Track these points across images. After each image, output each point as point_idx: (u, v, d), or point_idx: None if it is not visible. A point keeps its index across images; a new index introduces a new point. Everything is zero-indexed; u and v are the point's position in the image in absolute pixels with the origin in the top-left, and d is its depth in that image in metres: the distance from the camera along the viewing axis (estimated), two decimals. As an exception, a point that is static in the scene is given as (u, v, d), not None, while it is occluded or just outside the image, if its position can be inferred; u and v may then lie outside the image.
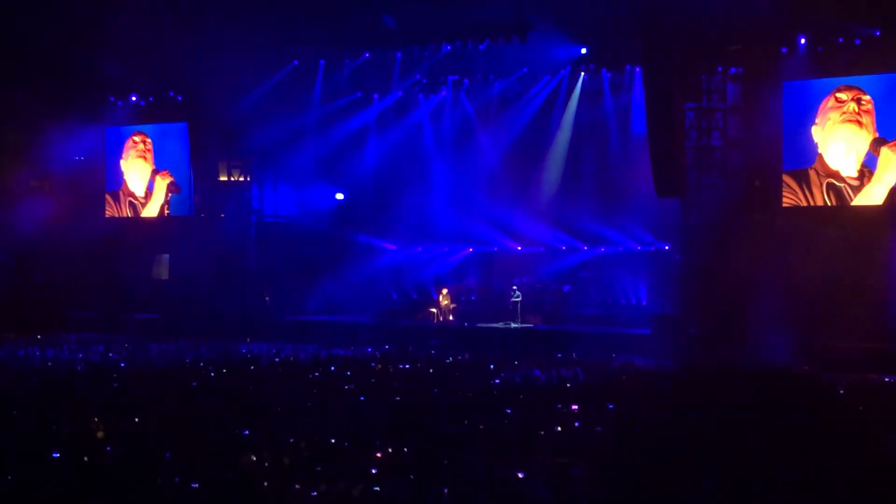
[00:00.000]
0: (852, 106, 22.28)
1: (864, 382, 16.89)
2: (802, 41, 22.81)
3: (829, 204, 22.57)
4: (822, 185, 22.63)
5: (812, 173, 22.74)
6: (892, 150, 21.94)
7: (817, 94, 22.76)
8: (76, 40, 26.10)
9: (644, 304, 25.59)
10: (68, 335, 25.26)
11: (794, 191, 22.87)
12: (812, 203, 22.75)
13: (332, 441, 10.88)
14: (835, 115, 22.52)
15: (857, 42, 22.29)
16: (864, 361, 19.26)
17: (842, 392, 15.47)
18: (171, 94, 29.73)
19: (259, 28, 25.96)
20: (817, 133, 22.70)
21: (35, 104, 28.07)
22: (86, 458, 9.86)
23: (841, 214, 22.53)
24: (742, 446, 10.67)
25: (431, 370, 18.02)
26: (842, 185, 22.45)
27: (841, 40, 22.48)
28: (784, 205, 23.03)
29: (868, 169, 22.18)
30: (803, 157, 22.90)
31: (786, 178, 23.01)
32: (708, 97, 23.61)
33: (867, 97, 22.19)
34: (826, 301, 21.27)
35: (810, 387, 16.25)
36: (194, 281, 27.48)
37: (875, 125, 22.13)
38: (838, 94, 22.47)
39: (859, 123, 22.28)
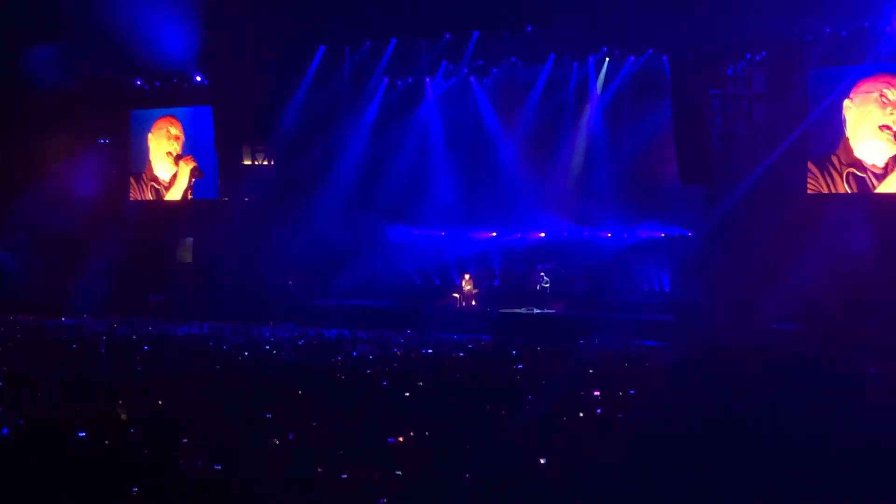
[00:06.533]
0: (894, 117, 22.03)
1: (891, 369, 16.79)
2: (827, 30, 22.65)
3: (850, 191, 22.45)
4: (843, 173, 22.49)
5: (834, 160, 22.61)
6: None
7: (843, 80, 22.58)
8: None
9: (667, 290, 25.53)
10: (89, 317, 25.42)
11: (816, 177, 22.76)
12: (833, 190, 22.63)
13: (354, 425, 10.91)
14: (875, 112, 22.20)
15: (887, 28, 22.10)
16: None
17: (865, 377, 15.43)
18: (196, 76, 29.79)
19: (285, 11, 26.00)
20: (849, 112, 22.42)
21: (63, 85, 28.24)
22: (107, 442, 9.92)
23: (865, 202, 22.40)
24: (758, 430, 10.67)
25: (453, 355, 18.05)
26: (864, 175, 22.31)
27: (867, 24, 22.31)
28: (808, 191, 22.94)
29: (895, 158, 22.02)
30: (827, 144, 22.78)
31: (809, 165, 22.91)
32: (733, 84, 23.51)
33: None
34: (849, 287, 21.17)
35: (832, 372, 16.19)
36: (218, 264, 27.53)
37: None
38: (884, 91, 22.12)
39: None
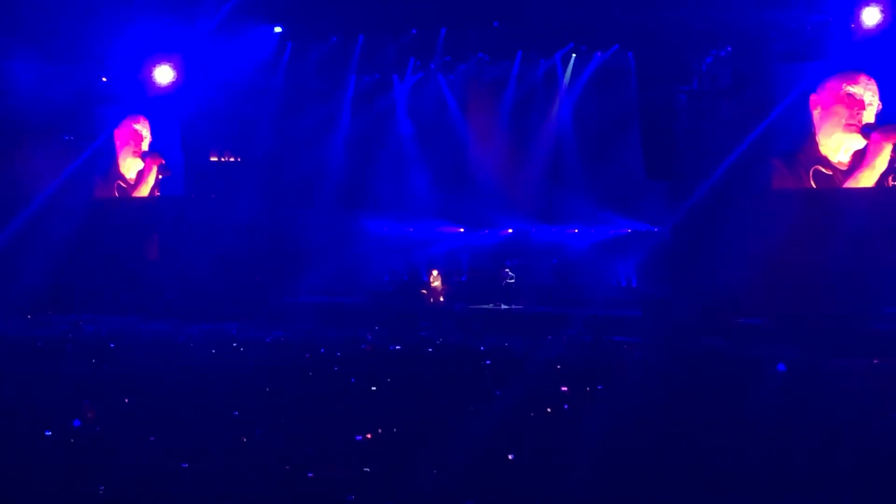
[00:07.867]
0: (861, 115, 22.04)
1: (855, 367, 16.91)
2: (792, 25, 22.75)
3: (816, 187, 22.55)
4: (809, 169, 22.58)
5: (801, 156, 22.71)
6: (882, 135, 21.84)
7: (809, 77, 22.67)
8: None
9: (634, 286, 25.64)
10: (58, 315, 25.25)
11: (783, 173, 22.86)
12: (800, 186, 22.73)
13: (323, 423, 10.90)
14: (842, 112, 22.25)
15: (851, 25, 22.20)
16: (858, 345, 19.23)
17: (829, 377, 15.53)
18: (163, 73, 29.56)
19: (251, 6, 25.92)
20: (815, 109, 22.47)
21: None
22: (72, 440, 9.88)
23: (831, 197, 22.51)
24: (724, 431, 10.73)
25: (421, 352, 18.07)
26: (830, 172, 22.40)
27: (831, 20, 22.41)
28: (774, 187, 23.03)
29: (860, 154, 22.10)
30: (793, 140, 22.84)
31: (775, 162, 23.00)
32: (699, 80, 23.60)
33: (875, 97, 21.94)
34: (815, 282, 21.29)
35: (798, 372, 16.29)
36: (185, 261, 27.39)
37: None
38: (850, 90, 22.19)
39: (860, 132, 22.02)
